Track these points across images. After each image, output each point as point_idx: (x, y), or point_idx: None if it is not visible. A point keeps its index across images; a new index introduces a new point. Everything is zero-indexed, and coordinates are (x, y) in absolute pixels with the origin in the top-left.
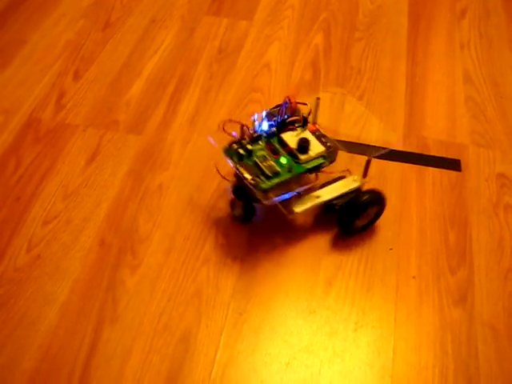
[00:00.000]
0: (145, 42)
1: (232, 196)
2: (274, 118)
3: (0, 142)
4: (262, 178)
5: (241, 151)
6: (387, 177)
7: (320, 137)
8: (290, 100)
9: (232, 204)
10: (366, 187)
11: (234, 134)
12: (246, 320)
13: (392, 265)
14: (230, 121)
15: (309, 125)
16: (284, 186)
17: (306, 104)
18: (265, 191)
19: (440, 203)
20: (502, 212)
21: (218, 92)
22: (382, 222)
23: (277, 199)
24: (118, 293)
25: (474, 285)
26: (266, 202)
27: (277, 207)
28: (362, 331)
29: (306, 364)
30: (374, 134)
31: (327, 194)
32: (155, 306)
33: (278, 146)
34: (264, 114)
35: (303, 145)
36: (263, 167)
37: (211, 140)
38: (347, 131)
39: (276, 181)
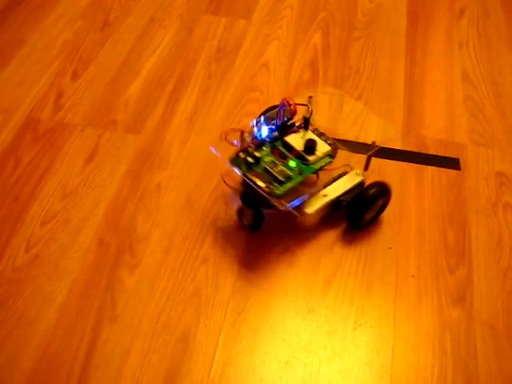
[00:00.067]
0: (143, 41)
1: (240, 205)
2: (273, 122)
3: None
4: (275, 184)
5: (249, 159)
6: (386, 176)
7: (320, 135)
8: (288, 102)
9: (240, 213)
10: (367, 180)
11: (235, 142)
12: (245, 319)
13: (391, 264)
14: (233, 130)
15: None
16: (294, 189)
17: (306, 105)
18: (279, 197)
19: (439, 202)
20: (500, 211)
21: (216, 91)
22: (381, 221)
23: (293, 204)
24: (117, 292)
25: (473, 284)
26: (282, 208)
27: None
28: (360, 330)
29: (305, 363)
30: (373, 133)
31: (334, 191)
32: (154, 305)
33: (283, 149)
34: (262, 118)
35: (310, 146)
36: (274, 173)
37: (214, 150)
38: (346, 131)
39: (289, 185)
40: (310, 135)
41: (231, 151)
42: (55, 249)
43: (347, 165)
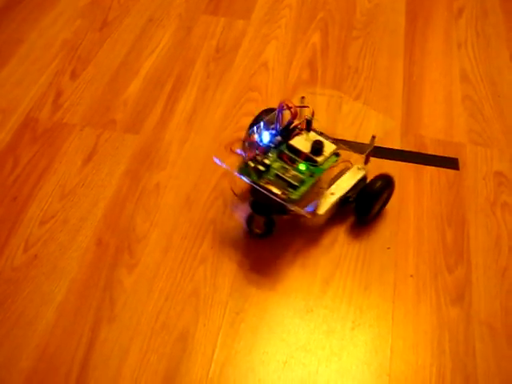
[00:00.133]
0: (142, 41)
1: (249, 213)
2: (272, 126)
3: None
4: (290, 189)
5: (260, 168)
6: None
7: (320, 135)
8: (288, 105)
9: (249, 221)
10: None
11: (239, 151)
12: (244, 319)
13: (389, 263)
14: (240, 140)
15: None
16: (306, 192)
17: (307, 107)
18: (296, 202)
19: (438, 202)
20: (499, 210)
21: (215, 91)
22: (379, 220)
23: (310, 206)
24: (116, 292)
25: (472, 283)
26: (302, 213)
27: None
28: (359, 330)
29: (304, 363)
30: (372, 133)
31: (340, 189)
32: (153, 305)
33: (290, 153)
34: (262, 124)
35: (318, 147)
36: (288, 178)
37: (218, 161)
38: (344, 131)
39: (304, 189)
40: (314, 136)
41: (229, 158)
42: (54, 249)
43: (347, 161)
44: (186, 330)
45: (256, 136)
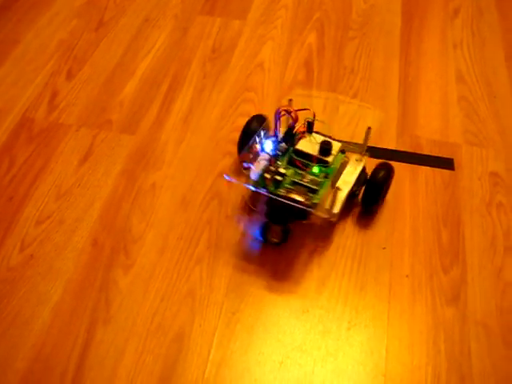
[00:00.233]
0: (138, 41)
1: (265, 223)
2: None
3: None
4: (310, 194)
5: (278, 178)
6: None
7: (322, 135)
8: (288, 111)
9: (265, 231)
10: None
11: (249, 165)
12: (240, 319)
13: (385, 264)
14: (248, 151)
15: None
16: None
17: (308, 109)
18: (318, 206)
19: (433, 202)
20: (494, 211)
21: (211, 91)
22: (375, 220)
23: (333, 208)
24: (111, 293)
25: (467, 283)
26: (326, 216)
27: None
28: (355, 330)
29: (300, 363)
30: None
31: (346, 183)
32: (148, 306)
33: (299, 158)
34: (262, 133)
35: (326, 147)
36: (306, 184)
37: (228, 178)
38: (340, 132)
39: (323, 191)
40: (319, 137)
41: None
42: (50, 249)
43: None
44: (182, 330)
45: (258, 147)
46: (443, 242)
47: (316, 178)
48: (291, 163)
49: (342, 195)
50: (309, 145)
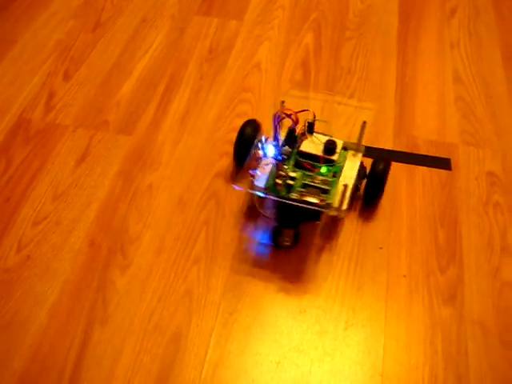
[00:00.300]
0: (135, 42)
1: (275, 228)
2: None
3: None
4: (323, 195)
5: (290, 182)
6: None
7: (323, 134)
8: (287, 114)
9: (276, 235)
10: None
11: (254, 171)
12: (237, 320)
13: (382, 264)
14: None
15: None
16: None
17: (308, 110)
18: (330, 206)
19: (430, 202)
20: (491, 210)
21: (208, 92)
22: (372, 220)
23: (347, 207)
24: (108, 293)
25: (464, 283)
26: (343, 216)
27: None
28: (352, 330)
29: (297, 363)
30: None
31: (349, 178)
32: (145, 306)
33: (305, 160)
34: (264, 139)
35: (331, 146)
36: (318, 185)
37: (237, 187)
38: (337, 132)
39: (334, 190)
40: (321, 137)
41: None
42: (47, 249)
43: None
44: (179, 330)
45: (261, 153)
46: (440, 242)
47: (326, 178)
48: (297, 165)
49: (348, 190)
50: (312, 145)
